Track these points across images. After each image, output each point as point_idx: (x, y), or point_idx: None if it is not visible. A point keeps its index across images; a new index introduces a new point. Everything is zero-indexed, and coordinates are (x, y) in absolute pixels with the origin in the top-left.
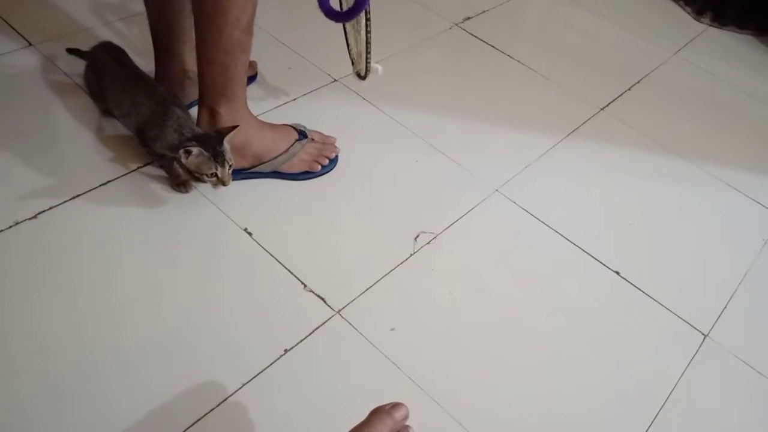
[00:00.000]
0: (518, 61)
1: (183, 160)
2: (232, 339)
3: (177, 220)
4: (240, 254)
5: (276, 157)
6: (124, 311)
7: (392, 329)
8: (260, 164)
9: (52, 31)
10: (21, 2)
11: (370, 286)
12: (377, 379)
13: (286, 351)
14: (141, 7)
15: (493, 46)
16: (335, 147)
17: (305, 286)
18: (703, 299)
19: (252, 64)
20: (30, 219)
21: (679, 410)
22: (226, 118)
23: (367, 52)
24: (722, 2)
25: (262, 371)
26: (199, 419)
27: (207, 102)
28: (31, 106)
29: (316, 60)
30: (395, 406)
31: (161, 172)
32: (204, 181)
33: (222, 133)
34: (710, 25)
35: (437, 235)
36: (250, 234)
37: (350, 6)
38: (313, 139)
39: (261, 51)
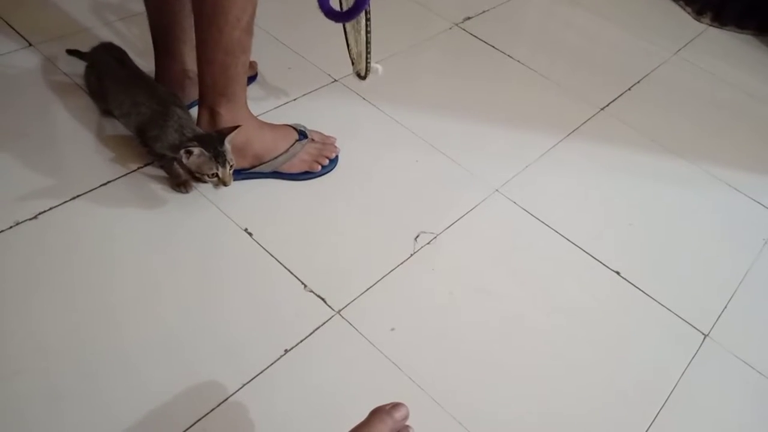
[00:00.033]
0: (518, 61)
1: (184, 161)
2: (232, 339)
3: (177, 221)
4: (240, 254)
5: (276, 158)
6: (124, 311)
7: (392, 329)
8: (260, 164)
9: (52, 31)
10: (21, 2)
11: (371, 286)
12: (377, 379)
13: (286, 351)
14: (141, 7)
15: (493, 46)
16: (335, 147)
17: (305, 286)
18: (704, 299)
19: (252, 64)
20: (30, 219)
21: (679, 410)
22: (226, 118)
23: (367, 52)
24: (722, 2)
25: (262, 371)
26: (199, 419)
27: (207, 102)
28: (31, 106)
29: (316, 60)
30: (395, 406)
31: (161, 173)
32: (205, 182)
33: (223, 133)
34: (710, 25)
35: (437, 235)
36: (250, 234)
37: (350, 6)
38: (313, 140)
39: (261, 51)
